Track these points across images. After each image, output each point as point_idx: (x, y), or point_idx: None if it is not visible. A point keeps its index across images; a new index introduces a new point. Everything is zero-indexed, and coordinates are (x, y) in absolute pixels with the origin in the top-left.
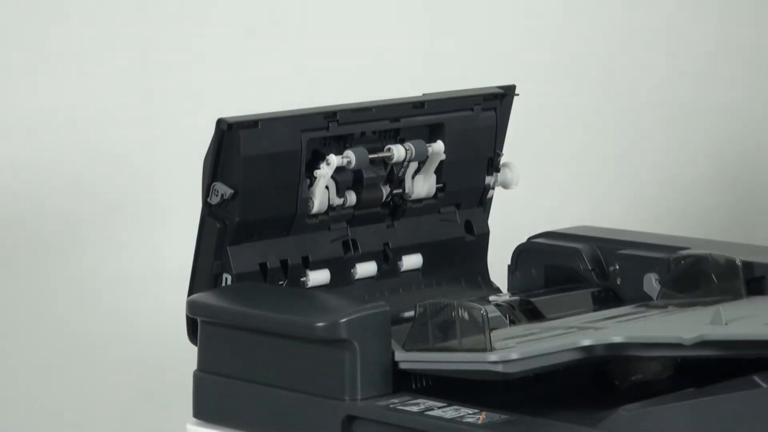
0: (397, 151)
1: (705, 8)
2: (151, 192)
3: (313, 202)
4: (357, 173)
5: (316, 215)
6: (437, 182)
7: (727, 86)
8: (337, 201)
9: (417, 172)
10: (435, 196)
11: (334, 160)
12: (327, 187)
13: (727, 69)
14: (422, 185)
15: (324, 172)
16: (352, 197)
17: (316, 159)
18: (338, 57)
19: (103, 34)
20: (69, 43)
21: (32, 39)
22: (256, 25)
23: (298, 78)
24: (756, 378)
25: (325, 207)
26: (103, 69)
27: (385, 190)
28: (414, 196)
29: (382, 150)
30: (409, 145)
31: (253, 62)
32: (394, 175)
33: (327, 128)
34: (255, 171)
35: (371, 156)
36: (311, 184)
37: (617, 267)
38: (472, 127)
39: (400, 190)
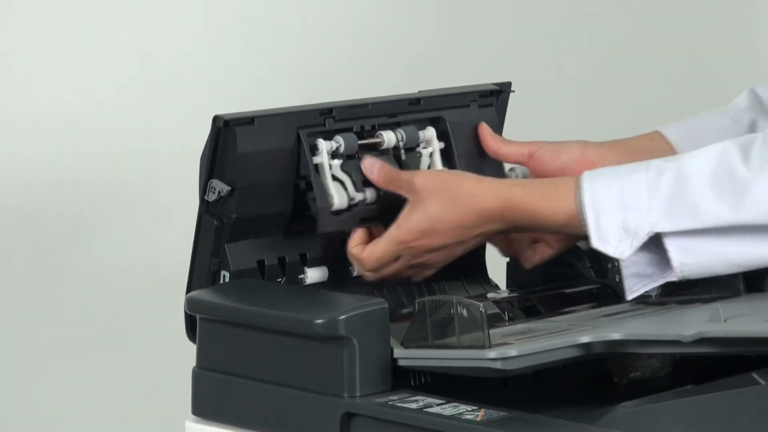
0: (388, 137)
1: (708, 7)
2: (149, 189)
3: (332, 197)
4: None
5: (339, 212)
6: None
7: (728, 86)
8: (358, 196)
9: (429, 168)
10: None
11: (323, 145)
12: (343, 184)
13: (729, 69)
14: None
15: (319, 160)
16: (372, 194)
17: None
18: (334, 54)
19: (101, 31)
20: (68, 41)
21: (31, 38)
22: (253, 22)
23: (294, 75)
24: (755, 375)
25: (346, 202)
26: (101, 66)
27: None
28: None
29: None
30: (400, 131)
31: (250, 59)
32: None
33: (323, 125)
34: (251, 168)
35: (361, 142)
36: (317, 179)
37: (616, 264)
38: (472, 120)
39: None
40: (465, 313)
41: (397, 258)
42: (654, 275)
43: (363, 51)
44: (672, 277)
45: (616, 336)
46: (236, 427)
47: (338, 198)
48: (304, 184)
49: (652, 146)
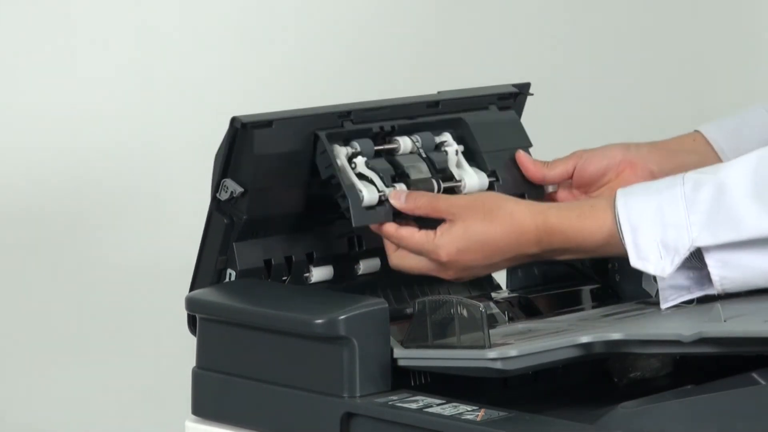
0: (404, 143)
1: (713, 8)
2: (153, 187)
3: (361, 192)
4: (398, 167)
5: (371, 207)
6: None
7: (730, 86)
8: (389, 191)
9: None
10: (492, 186)
11: (340, 150)
12: (370, 180)
13: (733, 69)
14: (474, 178)
15: (341, 162)
16: (403, 189)
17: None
18: (348, 56)
19: (103, 30)
20: (70, 40)
21: (31, 37)
22: (260, 22)
23: (307, 77)
24: (755, 375)
25: (376, 197)
26: (105, 65)
27: (436, 183)
28: (467, 189)
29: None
30: (416, 137)
31: (255, 60)
32: (441, 171)
33: (341, 127)
34: (266, 170)
35: (377, 147)
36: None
37: (616, 264)
38: (494, 121)
39: (453, 183)
40: (465, 313)
41: (421, 255)
42: (692, 288)
43: (380, 52)
44: (711, 291)
45: (616, 336)
46: (236, 427)
47: (367, 193)
48: (334, 182)
49: (693, 147)
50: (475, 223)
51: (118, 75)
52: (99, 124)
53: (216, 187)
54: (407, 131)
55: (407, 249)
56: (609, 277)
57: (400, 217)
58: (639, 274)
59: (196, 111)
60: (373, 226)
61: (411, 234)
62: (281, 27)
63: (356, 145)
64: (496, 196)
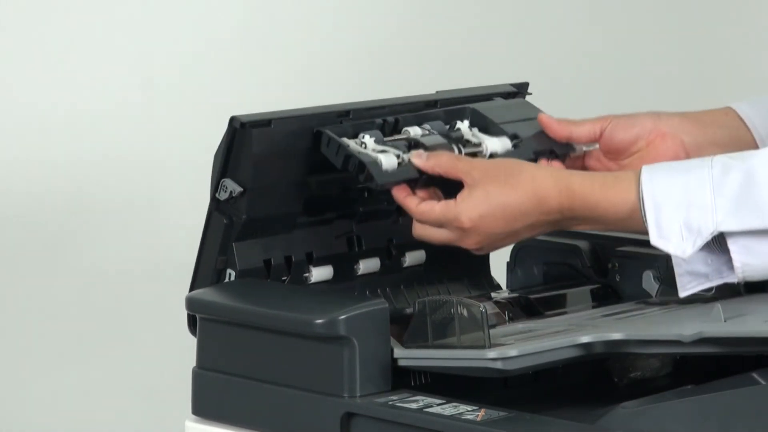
0: (414, 131)
1: (717, 8)
2: (153, 187)
3: (379, 158)
4: (412, 141)
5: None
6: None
7: (734, 86)
8: (407, 157)
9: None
10: (516, 147)
11: (350, 142)
12: (386, 152)
13: (737, 69)
14: (495, 141)
15: (355, 147)
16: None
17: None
18: (349, 57)
19: (103, 30)
20: (70, 40)
21: (31, 37)
22: (258, 25)
23: (308, 78)
24: (755, 375)
25: (395, 162)
26: (105, 65)
27: (457, 148)
28: (490, 152)
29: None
30: (426, 125)
31: (254, 61)
32: (459, 140)
33: (340, 125)
34: (265, 170)
35: (387, 139)
36: (351, 161)
37: (616, 264)
38: (502, 104)
39: (474, 149)
40: (465, 313)
41: (443, 226)
42: (711, 276)
43: (379, 53)
44: (732, 279)
45: (616, 336)
46: (236, 427)
47: (385, 158)
48: (350, 165)
49: (725, 121)
50: (496, 188)
51: (118, 76)
52: (98, 125)
53: (215, 187)
54: (412, 124)
55: (429, 223)
56: (609, 277)
57: (419, 186)
58: (639, 274)
59: (197, 112)
60: (395, 195)
61: (431, 207)
62: (282, 28)
63: (365, 136)
64: (518, 162)
